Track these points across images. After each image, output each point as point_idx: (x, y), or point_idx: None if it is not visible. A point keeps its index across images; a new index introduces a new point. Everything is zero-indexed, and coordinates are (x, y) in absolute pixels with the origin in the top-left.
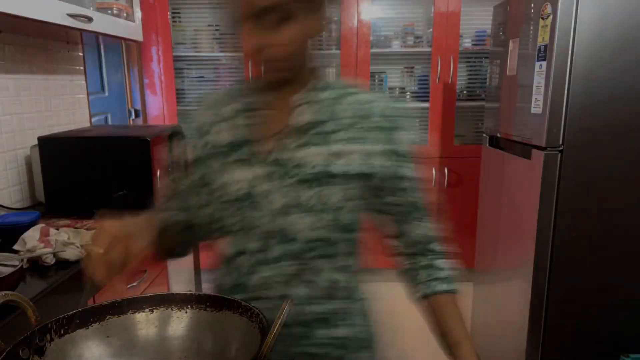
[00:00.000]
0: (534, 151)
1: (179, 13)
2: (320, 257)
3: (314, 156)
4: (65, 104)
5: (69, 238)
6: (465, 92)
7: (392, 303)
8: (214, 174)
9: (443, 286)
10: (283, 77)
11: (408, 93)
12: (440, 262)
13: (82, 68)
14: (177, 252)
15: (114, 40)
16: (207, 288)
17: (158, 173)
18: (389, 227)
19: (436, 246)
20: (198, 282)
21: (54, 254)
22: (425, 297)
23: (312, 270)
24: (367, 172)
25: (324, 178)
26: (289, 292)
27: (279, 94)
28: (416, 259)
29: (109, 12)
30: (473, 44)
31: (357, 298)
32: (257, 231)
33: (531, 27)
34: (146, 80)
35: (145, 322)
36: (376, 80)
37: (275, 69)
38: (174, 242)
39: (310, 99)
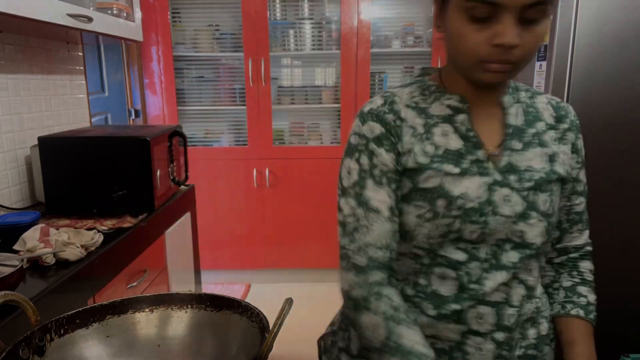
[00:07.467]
0: None
1: (179, 13)
2: (535, 258)
3: (539, 158)
4: (65, 104)
5: (69, 238)
6: None
7: None
8: (449, 183)
9: (580, 312)
10: (505, 79)
11: None
12: (583, 289)
13: (82, 68)
14: None
15: (114, 40)
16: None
17: (158, 173)
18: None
19: (586, 264)
20: (198, 282)
21: (54, 254)
22: (558, 316)
23: (527, 270)
24: (565, 174)
25: (552, 180)
26: (511, 293)
27: (483, 94)
28: (562, 275)
29: (109, 12)
30: None
31: (543, 292)
32: (495, 237)
33: None
34: (146, 80)
35: (145, 322)
36: (376, 80)
37: (509, 70)
38: None
39: (518, 99)
